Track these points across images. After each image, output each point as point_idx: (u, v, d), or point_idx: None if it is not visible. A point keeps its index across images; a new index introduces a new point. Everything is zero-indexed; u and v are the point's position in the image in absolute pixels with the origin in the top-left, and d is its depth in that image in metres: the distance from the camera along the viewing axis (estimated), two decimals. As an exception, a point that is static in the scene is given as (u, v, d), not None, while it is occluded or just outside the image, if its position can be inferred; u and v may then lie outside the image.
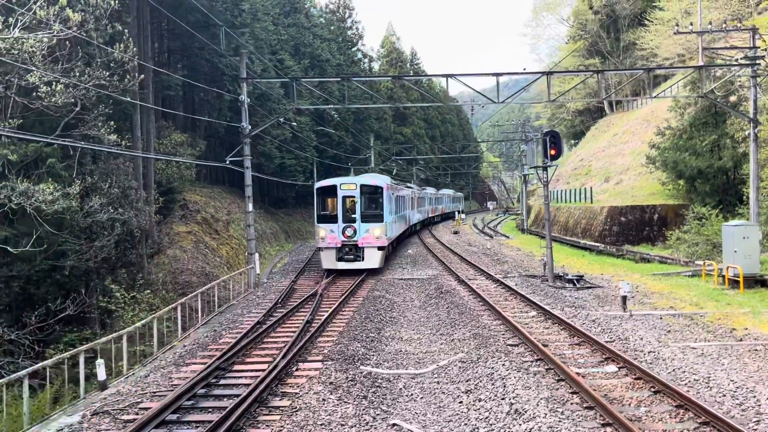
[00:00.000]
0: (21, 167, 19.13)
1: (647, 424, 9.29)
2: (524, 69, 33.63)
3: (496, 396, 10.90)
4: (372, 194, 27.50)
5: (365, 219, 26.71)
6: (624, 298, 18.28)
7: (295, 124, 41.77)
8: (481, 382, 11.85)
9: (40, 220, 18.35)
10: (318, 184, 27.83)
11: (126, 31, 20.21)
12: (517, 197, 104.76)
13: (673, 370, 11.93)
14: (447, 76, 27.41)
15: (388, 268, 30.16)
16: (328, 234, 26.42)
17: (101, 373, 13.06)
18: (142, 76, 22.88)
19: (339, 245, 26.44)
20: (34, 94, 18.27)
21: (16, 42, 16.63)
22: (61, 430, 10.22)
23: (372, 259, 26.77)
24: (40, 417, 12.55)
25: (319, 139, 55.49)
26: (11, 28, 15.68)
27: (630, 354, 13.09)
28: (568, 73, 43.88)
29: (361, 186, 27.10)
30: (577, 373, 11.60)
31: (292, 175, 51.00)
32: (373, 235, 26.62)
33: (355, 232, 26.43)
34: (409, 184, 48.64)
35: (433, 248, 41.00)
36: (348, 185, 26.85)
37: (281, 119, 31.66)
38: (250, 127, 27.08)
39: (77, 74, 18.68)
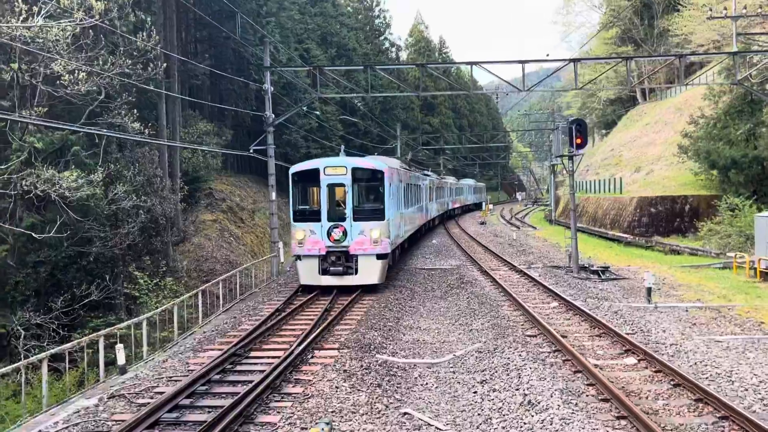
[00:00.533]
0: (47, 155, 19.46)
1: (664, 417, 9.03)
2: (547, 55, 32.92)
3: (510, 386, 10.73)
4: (369, 181, 20.67)
5: (359, 216, 19.86)
6: (649, 290, 17.86)
7: (318, 113, 41.75)
8: (496, 372, 11.69)
9: (65, 207, 18.65)
10: (294, 168, 20.80)
11: (149, 19, 20.35)
12: (547, 188, 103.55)
13: (695, 364, 11.60)
14: (471, 63, 27.09)
15: (410, 258, 30.00)
16: (308, 237, 19.64)
17: (120, 358, 13.23)
18: (165, 64, 23.05)
19: (323, 252, 19.65)
20: (58, 82, 18.53)
21: (41, 30, 16.85)
22: (78, 412, 10.37)
23: (368, 272, 19.83)
24: (62, 399, 12.78)
25: (346, 129, 55.46)
26: (35, 17, 15.90)
27: (651, 346, 12.77)
28: (596, 60, 42.97)
29: (354, 170, 20.07)
30: (594, 365, 11.35)
31: (318, 165, 51.10)
32: (369, 238, 19.67)
33: (344, 234, 19.65)
34: (426, 172, 42.95)
35: (459, 239, 40.71)
36: (335, 169, 19.98)
37: (304, 108, 31.64)
38: (273, 116, 27.13)
39: (101, 63, 18.88)
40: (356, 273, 19.60)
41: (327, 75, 34.92)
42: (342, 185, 20.02)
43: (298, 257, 19.91)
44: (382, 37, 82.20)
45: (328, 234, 19.63)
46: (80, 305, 20.52)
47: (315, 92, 28.88)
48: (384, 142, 62.13)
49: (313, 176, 20.13)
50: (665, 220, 40.23)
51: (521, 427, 9.00)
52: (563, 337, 13.49)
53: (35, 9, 16.50)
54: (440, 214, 50.68)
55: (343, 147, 24.08)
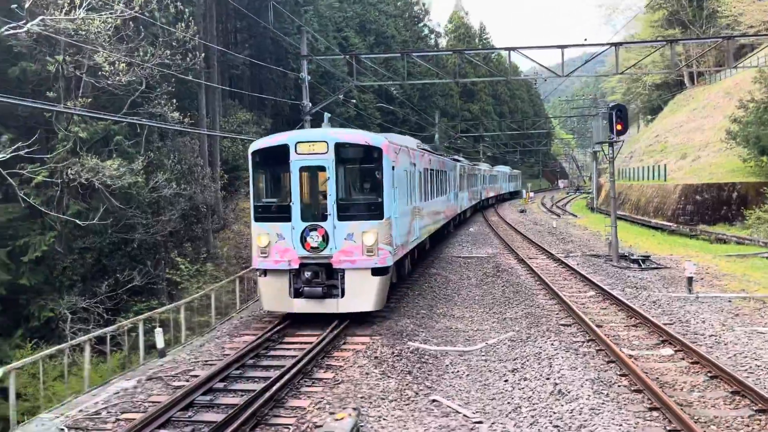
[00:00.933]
0: (91, 144, 20.06)
1: (698, 409, 8.83)
2: (585, 39, 32.13)
3: (541, 375, 10.65)
4: (361, 162, 14.62)
5: (347, 213, 14.03)
6: (690, 279, 17.40)
7: (354, 101, 41.78)
8: (528, 361, 11.62)
9: (108, 195, 19.21)
10: (255, 145, 14.89)
11: (187, 10, 20.68)
12: (589, 175, 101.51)
13: (734, 355, 11.28)
14: (509, 49, 26.67)
15: (446, 246, 29.89)
16: (275, 243, 14.06)
17: (159, 341, 13.62)
18: (204, 54, 23.42)
19: (295, 266, 13.97)
20: (100, 73, 19.03)
21: (83, 23, 17.32)
22: (117, 393, 10.74)
23: (360, 294, 13.92)
24: (104, 381, 13.25)
25: (384, 117, 55.40)
26: (77, 9, 16.35)
27: (689, 337, 12.47)
28: (639, 44, 41.74)
29: (339, 147, 14.08)
30: (628, 355, 11.16)
31: (356, 153, 51.22)
32: (362, 246, 13.88)
33: (325, 239, 13.90)
34: (456, 157, 38.84)
35: (497, 227, 40.37)
36: (311, 145, 14.04)
37: (340, 96, 31.70)
38: (310, 104, 27.29)
39: (141, 54, 19.31)
40: (342, 295, 13.70)
41: (364, 63, 34.92)
42: (322, 169, 13.93)
43: (263, 272, 14.11)
44: (421, 24, 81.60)
45: (303, 239, 13.85)
46: (124, 290, 21.17)
47: (352, 80, 28.91)
48: (422, 130, 61.86)
49: (280, 156, 14.02)
50: (711, 208, 39.03)
51: (550, 416, 8.94)
52: (598, 326, 13.29)
53: (77, 2, 16.95)
54: (473, 205, 45.15)
55: (328, 115, 16.31)
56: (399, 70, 56.83)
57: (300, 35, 28.68)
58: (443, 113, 74.57)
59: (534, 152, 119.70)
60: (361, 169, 14.65)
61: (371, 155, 14.28)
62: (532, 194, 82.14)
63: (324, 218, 13.97)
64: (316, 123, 32.30)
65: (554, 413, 8.98)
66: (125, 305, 21.02)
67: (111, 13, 18.02)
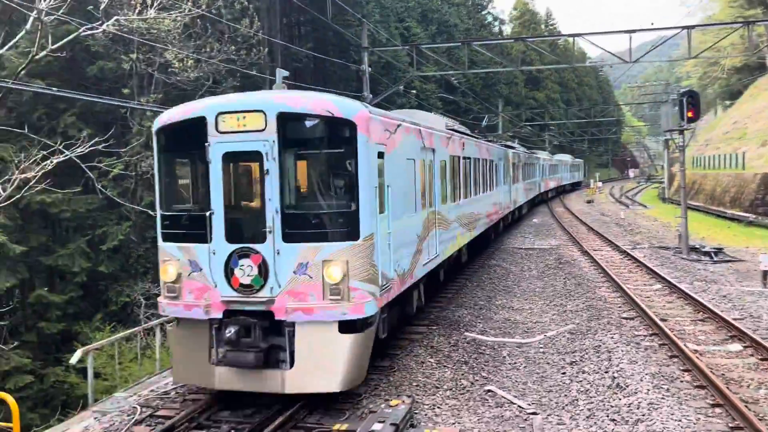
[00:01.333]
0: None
1: (764, 407, 8.51)
2: (652, 24, 30.81)
3: (600, 369, 10.50)
4: (321, 146, 9.12)
5: (296, 229, 8.67)
6: (765, 273, 16.63)
7: (415, 91, 41.74)
8: (587, 354, 11.46)
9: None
10: (160, 120, 9.44)
11: (251, 6, 21.25)
12: (661, 164, 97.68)
13: (809, 353, 10.74)
14: (574, 35, 26.09)
15: (508, 237, 29.56)
16: (186, 276, 8.99)
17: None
18: (267, 49, 24.01)
19: (215, 313, 8.79)
20: (169, 70, 19.84)
21: (155, 22, 18.09)
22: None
23: (321, 363, 8.51)
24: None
25: (446, 107, 55.09)
26: (148, 9, 17.09)
27: (760, 333, 11.96)
28: (713, 26, 39.77)
29: (283, 119, 8.61)
30: (693, 350, 10.82)
31: (418, 143, 51.19)
32: (321, 284, 8.58)
33: (263, 272, 8.64)
34: (510, 143, 33.57)
35: (561, 217, 39.59)
36: (240, 119, 8.66)
37: (401, 87, 31.76)
38: (371, 96, 27.51)
39: (208, 50, 20.01)
40: (291, 365, 8.53)
41: (426, 53, 34.83)
42: (255, 155, 8.67)
43: (176, 320, 9.26)
44: (484, 12, 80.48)
45: (228, 271, 8.69)
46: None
47: (412, 71, 28.94)
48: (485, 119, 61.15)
49: (194, 135, 8.86)
50: (794, 199, 36.88)
51: (608, 409, 8.82)
52: (662, 320, 12.93)
53: (149, 2, 17.72)
54: (529, 200, 39.50)
55: (283, 72, 10.31)
56: (461, 59, 56.35)
57: (361, 27, 28.93)
58: (507, 102, 73.42)
59: (603, 141, 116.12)
60: (323, 157, 9.00)
61: (338, 133, 8.67)
62: (600, 184, 79.81)
63: (261, 238, 8.56)
64: (378, 114, 32.55)
65: (612, 407, 8.86)
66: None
67: (180, 12, 18.73)
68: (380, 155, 9.29)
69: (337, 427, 8.13)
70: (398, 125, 10.40)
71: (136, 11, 17.74)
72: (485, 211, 20.76)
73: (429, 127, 12.95)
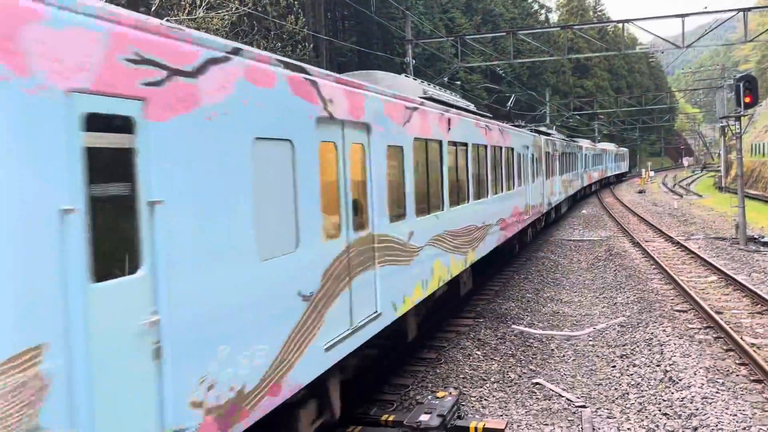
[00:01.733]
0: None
1: (827, 404, 8.20)
2: (705, 7, 29.68)
3: (651, 362, 10.29)
4: None
5: None
6: (828, 265, 15.92)
7: (459, 83, 41.45)
8: (638, 347, 11.25)
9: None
10: None
11: (296, 2, 21.50)
12: (717, 152, 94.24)
13: None
14: (623, 21, 25.42)
15: (556, 229, 29.13)
16: None
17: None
18: (312, 44, 24.25)
19: None
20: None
21: (203, 21, 18.52)
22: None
23: None
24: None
25: (491, 97, 54.52)
26: (197, 9, 17.51)
27: (823, 327, 11.50)
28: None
29: None
30: (750, 344, 10.49)
31: (463, 135, 50.83)
32: None
33: None
34: (543, 128, 28.39)
35: (611, 208, 38.75)
36: None
37: (445, 79, 31.62)
38: (415, 88, 27.50)
39: (255, 47, 20.36)
40: None
41: (470, 43, 34.55)
42: None
43: None
44: (530, 0, 79.09)
45: None
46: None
47: (456, 62, 28.76)
48: (532, 110, 60.28)
49: None
50: None
51: (659, 403, 8.67)
52: (717, 313, 12.56)
53: (198, 2, 18.16)
54: (569, 196, 33.19)
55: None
56: (507, 49, 55.63)
57: (405, 19, 28.90)
58: (555, 91, 72.12)
59: (655, 129, 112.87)
60: None
61: None
62: (652, 173, 77.59)
63: None
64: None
65: (664, 401, 8.69)
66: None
67: (228, 11, 19.12)
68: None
69: (384, 417, 8.24)
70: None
71: (186, 11, 18.20)
72: (499, 219, 15.02)
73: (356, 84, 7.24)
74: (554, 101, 67.45)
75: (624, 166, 77.00)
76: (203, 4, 17.83)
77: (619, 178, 72.28)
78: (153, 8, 18.37)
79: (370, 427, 8.04)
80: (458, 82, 41.16)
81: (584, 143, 43.25)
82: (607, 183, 61.73)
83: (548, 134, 26.29)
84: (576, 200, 40.08)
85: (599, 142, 65.39)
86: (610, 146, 65.10)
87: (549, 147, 24.49)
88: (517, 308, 14.44)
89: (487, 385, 9.77)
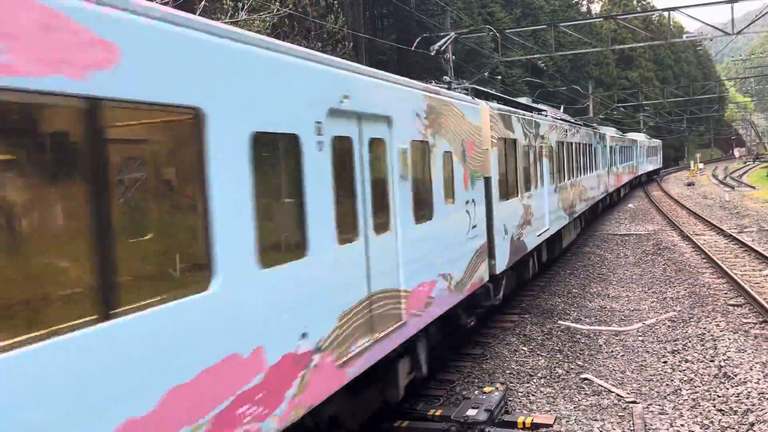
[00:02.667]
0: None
1: None
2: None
3: (704, 358, 10.04)
4: None
5: None
6: None
7: (500, 77, 41.01)
8: (690, 342, 10.98)
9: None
10: None
11: (335, 2, 21.66)
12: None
13: None
14: (669, 9, 24.84)
15: (601, 223, 28.57)
16: None
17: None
18: (352, 43, 24.39)
19: None
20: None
21: (245, 24, 18.83)
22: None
23: None
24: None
25: (533, 91, 53.80)
26: (239, 12, 17.83)
27: None
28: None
29: None
30: (810, 339, 10.13)
31: (504, 130, 50.28)
32: None
33: None
34: (543, 108, 19.16)
35: (659, 202, 37.82)
36: None
37: (485, 74, 31.36)
38: (455, 84, 27.37)
39: (296, 48, 20.61)
40: None
41: (511, 37, 34.18)
42: None
43: None
44: (571, -9, 77.73)
45: None
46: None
47: (497, 56, 28.51)
48: (574, 103, 59.24)
49: None
50: None
51: (714, 399, 8.45)
52: (774, 307, 12.15)
53: (239, 5, 18.48)
54: (581, 213, 21.58)
55: None
56: (548, 42, 54.79)
57: (444, 15, 28.79)
58: (598, 83, 70.68)
59: (703, 119, 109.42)
60: None
61: None
62: (701, 165, 75.30)
63: None
64: (463, 102, 32.13)
65: (718, 396, 8.48)
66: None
67: (269, 13, 19.40)
68: None
69: (431, 412, 8.26)
70: None
71: (228, 14, 18.55)
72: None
73: None
74: (598, 94, 66.14)
75: (658, 161, 63.65)
76: (245, 7, 18.13)
77: (651, 177, 59.52)
78: (197, 12, 18.79)
79: (417, 421, 8.08)
80: (499, 77, 40.75)
81: (609, 132, 32.55)
82: (639, 182, 51.32)
83: (541, 111, 17.04)
84: (596, 211, 28.03)
85: (608, 127, 45.34)
86: (641, 137, 53.07)
87: (552, 132, 16.10)
88: (563, 304, 14.26)
89: (534, 380, 9.69)
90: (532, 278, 14.97)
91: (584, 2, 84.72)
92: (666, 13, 26.54)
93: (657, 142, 65.85)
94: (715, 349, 10.26)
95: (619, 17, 27.44)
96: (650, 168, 57.58)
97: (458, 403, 8.53)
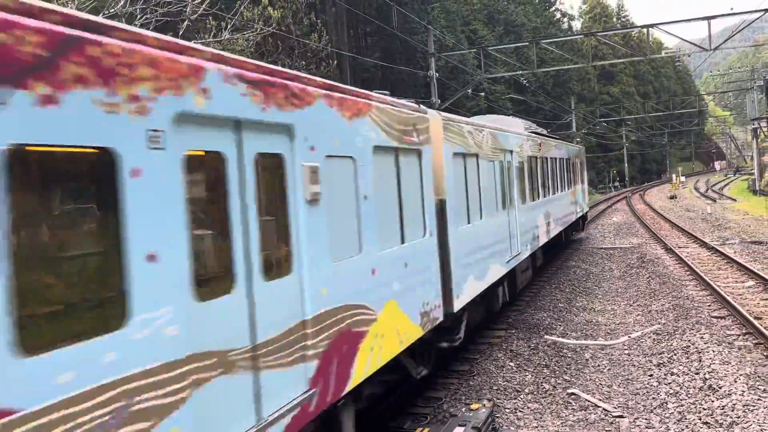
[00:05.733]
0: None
1: None
2: (731, 9, 29.33)
3: (690, 370, 10.09)
4: None
5: None
6: None
7: (483, 94, 41.40)
8: (675, 355, 11.03)
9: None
10: None
11: (319, 21, 21.80)
12: (750, 155, 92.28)
13: None
14: (648, 26, 25.27)
15: (586, 239, 28.79)
16: None
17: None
18: (336, 61, 24.52)
19: None
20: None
21: (229, 42, 18.88)
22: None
23: None
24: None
25: (516, 107, 54.33)
26: (223, 31, 17.87)
27: None
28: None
29: None
30: (792, 350, 10.22)
31: (488, 146, 50.68)
32: None
33: None
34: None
35: (643, 215, 38.17)
36: None
37: (469, 91, 31.63)
38: (439, 101, 27.58)
39: (280, 66, 20.68)
40: None
41: (494, 54, 34.56)
42: None
43: None
44: (552, 9, 78.88)
45: None
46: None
47: (480, 73, 28.80)
48: (557, 118, 59.88)
49: None
50: None
51: (700, 412, 8.48)
52: (757, 318, 12.27)
53: (223, 24, 18.53)
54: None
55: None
56: (530, 58, 55.47)
57: (427, 33, 29.09)
58: (580, 98, 71.54)
59: (684, 133, 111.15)
60: None
61: None
62: (683, 179, 76.25)
63: None
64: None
65: (704, 409, 8.51)
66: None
67: (252, 32, 19.46)
68: None
69: (418, 430, 8.20)
70: None
71: (212, 34, 18.59)
72: None
73: None
74: (580, 109, 66.90)
75: (578, 185, 26.52)
76: (229, 27, 18.18)
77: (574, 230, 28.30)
78: (180, 32, 18.80)
79: (404, 440, 8.02)
80: (482, 94, 41.12)
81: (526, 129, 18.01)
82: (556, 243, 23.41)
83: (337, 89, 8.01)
84: None
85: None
86: (562, 147, 22.76)
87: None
88: (549, 318, 14.29)
89: (522, 396, 9.67)
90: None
91: (565, 19, 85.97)
92: (645, 30, 26.95)
93: (577, 148, 27.81)
94: (700, 361, 10.32)
95: (599, 34, 27.84)
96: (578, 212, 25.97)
97: (445, 420, 8.48)
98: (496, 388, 9.98)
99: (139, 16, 14.26)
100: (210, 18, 18.38)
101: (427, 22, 37.00)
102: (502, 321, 14.16)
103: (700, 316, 13.17)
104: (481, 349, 12.14)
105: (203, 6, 16.02)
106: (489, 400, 9.06)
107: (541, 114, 58.56)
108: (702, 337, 11.56)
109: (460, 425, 7.84)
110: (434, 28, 32.97)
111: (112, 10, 14.63)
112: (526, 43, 30.41)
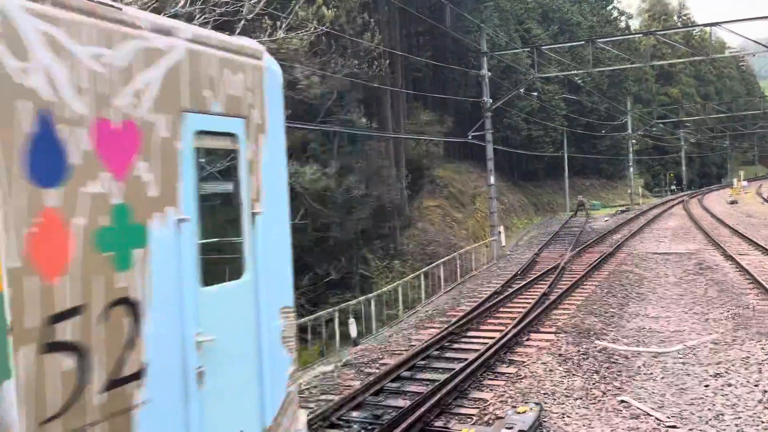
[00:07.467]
0: (291, 152, 22.17)
1: None
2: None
3: (748, 382, 9.73)
4: None
5: None
6: None
7: (536, 94, 40.78)
8: (733, 366, 10.65)
9: (307, 198, 21.09)
10: None
11: (372, 20, 21.92)
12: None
13: None
14: (711, 24, 24.39)
15: (640, 242, 28.04)
16: None
17: (353, 331, 14.72)
18: (388, 61, 24.61)
19: None
20: (297, 87, 20.94)
21: (284, 42, 19.17)
22: (317, 376, 11.86)
23: None
24: (307, 365, 14.65)
25: (569, 108, 53.30)
26: (278, 31, 18.14)
27: None
28: None
29: None
30: None
31: (540, 147, 49.93)
32: None
33: None
34: None
35: (700, 220, 36.89)
36: None
37: (521, 90, 31.23)
38: (491, 101, 27.35)
39: (332, 66, 20.89)
40: None
41: (547, 54, 34.01)
42: None
43: None
44: (609, 7, 76.88)
45: None
46: (322, 284, 23.05)
47: (533, 73, 28.41)
48: (612, 119, 58.48)
49: None
50: None
51: (758, 425, 8.17)
52: (823, 331, 11.71)
53: (278, 24, 18.83)
54: None
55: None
56: (585, 58, 54.25)
57: (480, 32, 28.87)
58: (637, 99, 69.61)
59: (747, 136, 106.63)
60: None
61: None
62: (745, 183, 73.12)
63: None
64: (497, 119, 31.95)
65: (763, 422, 8.19)
66: (324, 297, 22.87)
67: (307, 31, 19.72)
68: None
69: (464, 431, 8.18)
70: None
71: (267, 33, 18.92)
72: None
73: None
74: (636, 110, 65.09)
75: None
76: (284, 26, 18.45)
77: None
78: (237, 32, 19.20)
79: (449, 440, 8.00)
80: (535, 93, 40.53)
81: None
82: None
83: None
84: None
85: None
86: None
87: None
88: (600, 323, 14.00)
89: (570, 401, 9.51)
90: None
91: (623, 18, 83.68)
92: (708, 29, 26.03)
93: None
94: (760, 372, 9.94)
95: (659, 32, 27.04)
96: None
97: (491, 422, 8.42)
98: (543, 392, 9.85)
99: (198, 17, 14.64)
100: (266, 17, 18.69)
101: (480, 21, 36.68)
102: (550, 324, 13.95)
103: (762, 327, 12.67)
104: (529, 352, 11.99)
105: (260, 5, 16.30)
106: (536, 403, 8.95)
107: (596, 114, 57.29)
108: (763, 348, 11.13)
109: (506, 427, 7.78)
110: (487, 26, 32.74)
111: (173, 9, 15.07)
112: (582, 42, 29.82)
